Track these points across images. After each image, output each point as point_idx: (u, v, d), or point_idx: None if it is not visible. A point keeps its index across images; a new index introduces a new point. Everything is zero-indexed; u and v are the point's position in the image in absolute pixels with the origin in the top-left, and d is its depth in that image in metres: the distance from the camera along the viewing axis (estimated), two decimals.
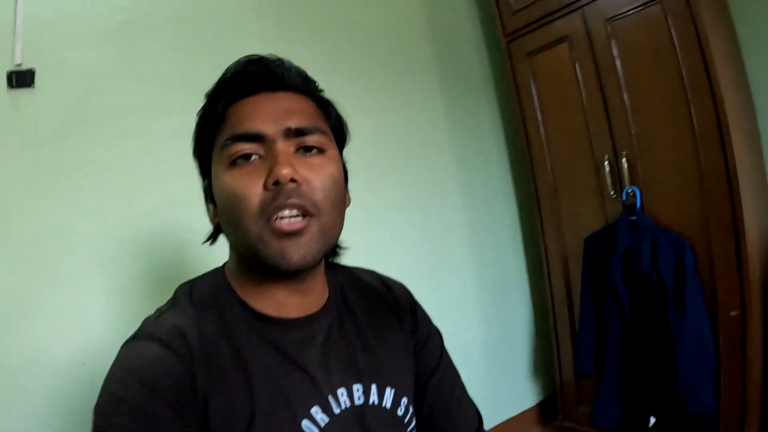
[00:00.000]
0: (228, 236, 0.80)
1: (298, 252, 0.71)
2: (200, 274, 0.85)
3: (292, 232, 0.71)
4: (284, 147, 0.74)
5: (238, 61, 0.80)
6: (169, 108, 1.78)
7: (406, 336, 0.92)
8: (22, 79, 1.58)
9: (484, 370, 2.39)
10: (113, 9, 1.74)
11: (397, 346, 0.89)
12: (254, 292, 0.78)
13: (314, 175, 0.74)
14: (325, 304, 0.84)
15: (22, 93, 1.58)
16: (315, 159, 0.76)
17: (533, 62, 2.31)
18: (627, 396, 2.06)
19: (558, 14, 2.17)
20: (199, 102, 1.83)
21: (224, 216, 0.77)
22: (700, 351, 1.86)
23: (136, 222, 1.69)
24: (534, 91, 2.33)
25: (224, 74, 0.81)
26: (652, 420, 1.96)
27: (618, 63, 2.03)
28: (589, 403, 2.21)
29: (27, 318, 1.49)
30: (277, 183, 0.70)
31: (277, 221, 0.71)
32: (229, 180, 0.74)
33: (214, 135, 0.78)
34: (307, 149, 0.76)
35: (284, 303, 0.79)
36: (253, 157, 0.74)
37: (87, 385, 1.50)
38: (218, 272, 0.84)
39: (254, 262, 0.75)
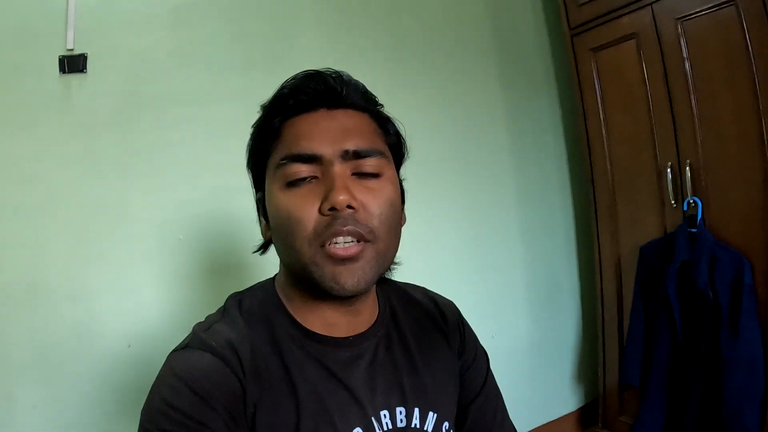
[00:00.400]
0: (280, 253, 0.78)
1: (352, 278, 0.70)
2: (251, 285, 0.86)
3: (347, 257, 0.70)
4: (341, 170, 0.72)
5: (295, 76, 0.79)
6: (223, 95, 1.81)
7: (453, 357, 0.91)
8: (74, 64, 1.62)
9: (528, 370, 2.36)
10: None
11: (443, 368, 0.89)
12: (303, 309, 0.78)
13: (371, 200, 0.72)
14: (373, 324, 0.83)
15: (74, 78, 1.63)
16: (372, 182, 0.74)
17: (598, 59, 2.20)
18: (670, 413, 1.99)
19: (626, 9, 2.06)
20: (254, 89, 1.87)
21: (277, 234, 0.76)
22: (749, 375, 1.77)
23: (187, 209, 1.73)
24: (597, 89, 2.22)
25: (281, 88, 0.79)
26: None
27: (687, 65, 1.91)
28: (631, 414, 2.16)
29: (76, 300, 1.57)
30: (333, 209, 0.69)
31: (332, 246, 0.69)
32: (283, 200, 0.73)
33: (269, 149, 0.77)
34: (365, 171, 0.74)
35: (333, 322, 0.78)
36: (309, 179, 0.72)
37: (131, 367, 1.61)
38: (268, 285, 0.83)
39: (306, 282, 0.74)
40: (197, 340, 0.73)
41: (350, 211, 0.70)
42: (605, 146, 2.23)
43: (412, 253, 2.08)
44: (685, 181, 1.95)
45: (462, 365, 0.93)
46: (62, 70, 1.61)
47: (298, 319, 0.78)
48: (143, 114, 1.70)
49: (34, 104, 1.58)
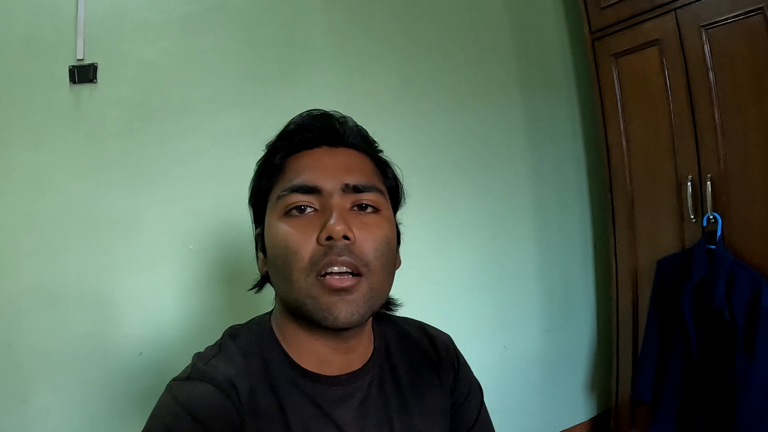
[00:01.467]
0: (276, 286, 0.80)
1: (346, 309, 0.71)
2: (247, 320, 0.86)
3: (342, 288, 0.71)
4: (340, 202, 0.74)
5: (301, 115, 0.82)
6: (235, 103, 1.81)
7: (445, 396, 0.91)
8: (84, 74, 1.63)
9: (540, 380, 2.34)
10: (176, 2, 1.75)
11: (434, 407, 0.89)
12: (297, 345, 0.79)
13: (368, 235, 0.74)
14: (368, 362, 0.83)
15: (85, 88, 1.65)
16: (370, 218, 0.76)
17: (619, 64, 2.13)
18: (681, 430, 1.95)
19: (649, 15, 1.98)
20: (266, 97, 1.92)
21: (274, 266, 0.76)
22: (763, 398, 1.71)
23: (198, 219, 1.75)
24: (618, 96, 2.15)
25: (287, 126, 0.82)
26: None
27: (711, 75, 1.83)
28: (642, 428, 2.13)
29: (88, 307, 1.62)
30: (330, 238, 0.70)
31: (327, 277, 0.70)
32: (281, 230, 0.74)
33: (271, 185, 0.79)
34: (363, 207, 0.76)
35: (326, 359, 0.79)
36: (308, 210, 0.74)
37: (142, 374, 1.65)
38: (264, 321, 0.84)
39: (300, 316, 0.75)
40: (199, 372, 0.75)
41: (346, 242, 0.71)
42: (625, 155, 2.17)
43: (425, 260, 2.08)
44: (706, 196, 1.88)
45: (454, 402, 0.93)
46: (72, 80, 1.63)
47: (292, 357, 0.79)
48: (153, 123, 1.71)
49: (45, 114, 1.61)
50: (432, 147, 2.13)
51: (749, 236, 1.80)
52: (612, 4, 2.10)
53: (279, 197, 0.76)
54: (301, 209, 0.74)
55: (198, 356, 0.79)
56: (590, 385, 2.48)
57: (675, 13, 1.89)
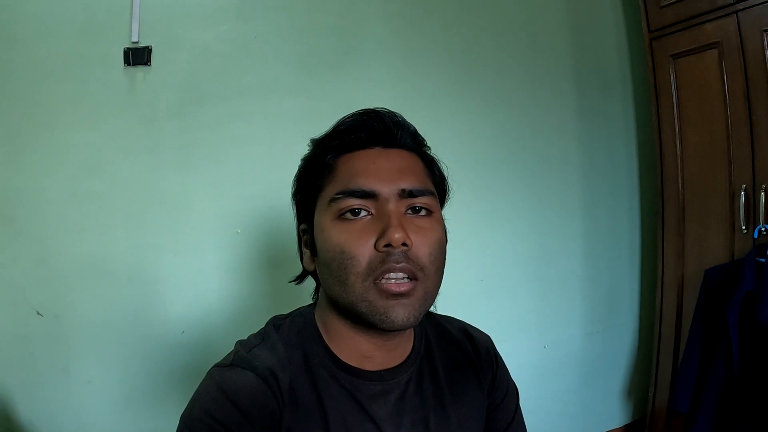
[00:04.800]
0: (326, 286, 0.80)
1: (403, 313, 0.72)
2: (290, 311, 0.89)
3: (400, 293, 0.72)
4: (396, 208, 0.74)
5: (353, 114, 0.81)
6: (286, 90, 1.84)
7: (482, 395, 0.93)
8: (138, 56, 1.68)
9: (578, 383, 2.32)
10: None
11: (471, 407, 0.90)
12: (340, 340, 0.80)
13: (423, 239, 0.74)
14: (407, 358, 0.84)
15: (139, 70, 1.70)
16: (424, 221, 0.76)
17: (677, 66, 2.06)
18: None
19: (710, 16, 1.90)
20: (319, 84, 1.96)
21: (327, 268, 0.76)
22: None
23: (246, 203, 1.79)
24: (674, 99, 2.08)
25: (338, 125, 0.81)
26: None
27: None
28: None
29: (134, 284, 1.70)
30: (388, 245, 0.71)
31: (385, 282, 0.72)
32: (337, 234, 0.74)
33: (321, 184, 0.79)
34: (416, 210, 0.76)
35: (368, 355, 0.80)
36: (363, 213, 0.74)
37: (184, 352, 1.72)
38: (307, 313, 0.86)
39: (350, 315, 0.77)
40: (242, 359, 0.77)
41: (404, 248, 0.72)
42: (678, 160, 2.10)
43: (471, 255, 2.07)
44: (759, 207, 1.81)
45: (491, 402, 0.94)
46: (127, 62, 1.69)
47: (334, 350, 0.80)
48: (206, 107, 1.76)
49: (100, 96, 1.68)
50: (481, 143, 2.13)
51: None
52: (672, 3, 2.02)
53: (333, 200, 0.75)
54: (356, 212, 0.74)
55: (241, 344, 0.82)
56: (627, 391, 2.44)
57: (737, 15, 1.81)
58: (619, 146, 2.37)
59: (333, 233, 0.75)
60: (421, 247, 0.73)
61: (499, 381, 0.96)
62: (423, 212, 0.77)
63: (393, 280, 0.72)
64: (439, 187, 0.84)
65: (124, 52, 1.69)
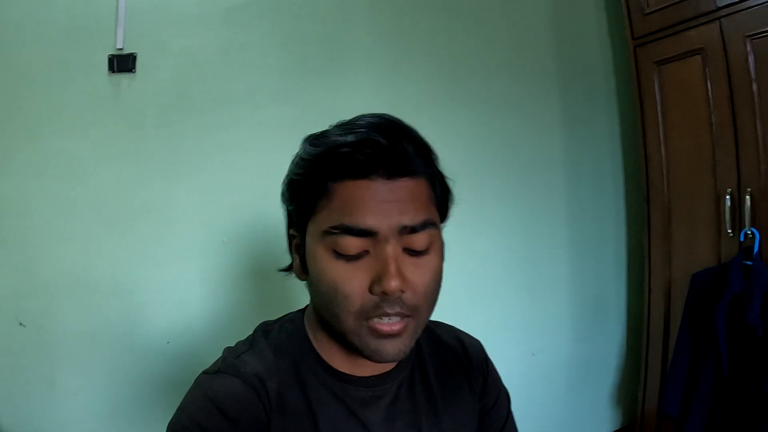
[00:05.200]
0: (317, 308, 0.78)
1: (393, 349, 0.71)
2: (279, 317, 0.87)
3: (389, 334, 0.70)
4: (394, 249, 0.70)
5: (352, 131, 0.71)
6: (272, 97, 1.82)
7: (474, 400, 0.92)
8: (123, 63, 1.65)
9: (566, 390, 2.32)
10: None
11: (463, 412, 0.90)
12: (330, 347, 0.79)
13: (420, 278, 0.71)
14: (398, 363, 0.83)
15: (124, 77, 1.67)
16: (422, 259, 0.72)
17: (661, 72, 2.08)
18: None
19: (693, 23, 1.93)
20: (306, 92, 1.94)
21: (319, 296, 0.74)
22: None
23: (232, 211, 1.77)
24: (659, 105, 2.11)
25: (338, 145, 0.71)
26: None
27: (755, 87, 1.78)
28: None
29: (120, 294, 1.66)
30: (384, 292, 0.69)
31: (377, 322, 0.70)
32: (330, 270, 0.71)
33: (315, 206, 0.73)
34: (415, 252, 0.72)
35: (358, 362, 0.79)
36: (360, 253, 0.70)
37: (169, 363, 1.69)
38: (297, 319, 0.84)
39: (343, 342, 0.75)
40: (229, 366, 0.77)
41: (400, 293, 0.70)
42: (663, 165, 2.13)
43: (457, 263, 2.06)
44: (744, 210, 1.83)
45: (482, 407, 0.94)
46: (111, 69, 1.66)
47: (324, 357, 0.80)
48: (191, 115, 1.74)
49: (84, 103, 1.64)
50: (467, 150, 2.13)
51: None
52: (655, 10, 2.05)
53: (329, 232, 0.70)
54: (352, 253, 0.70)
55: (229, 350, 0.81)
56: (617, 397, 2.44)
57: (720, 21, 1.84)
58: (604, 152, 2.39)
59: (326, 267, 0.71)
60: (418, 287, 0.71)
61: (491, 385, 0.95)
62: (421, 250, 0.72)
63: (385, 321, 0.70)
64: (442, 205, 0.79)
65: (109, 59, 1.66)
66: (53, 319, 1.60)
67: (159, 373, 1.68)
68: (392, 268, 0.68)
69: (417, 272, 0.71)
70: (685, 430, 1.96)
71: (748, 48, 1.77)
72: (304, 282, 0.80)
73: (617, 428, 2.44)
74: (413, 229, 0.70)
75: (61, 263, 1.62)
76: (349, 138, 0.70)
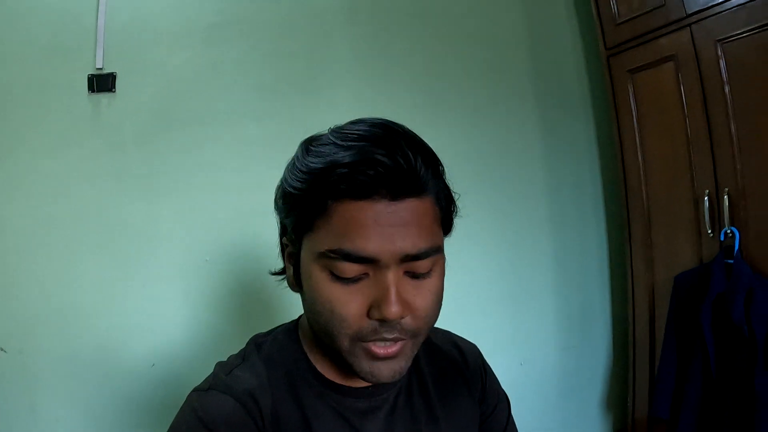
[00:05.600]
0: (312, 321, 0.74)
1: (388, 371, 0.69)
2: (273, 327, 0.84)
3: (385, 357, 0.68)
4: (396, 276, 0.66)
5: (352, 144, 0.65)
6: (253, 115, 1.82)
7: (474, 405, 0.90)
8: (103, 83, 1.66)
9: (556, 398, 2.31)
10: (197, 13, 1.78)
11: (463, 417, 0.88)
12: (325, 358, 0.78)
13: (420, 302, 0.68)
14: None
15: (103, 97, 1.67)
16: (424, 282, 0.69)
17: (635, 80, 2.13)
18: None
19: (664, 30, 1.98)
20: (286, 109, 1.94)
21: (314, 314, 0.70)
22: None
23: (214, 230, 1.75)
24: (634, 112, 2.15)
25: (335, 164, 0.65)
26: None
27: (727, 89, 1.82)
28: None
29: (102, 317, 1.62)
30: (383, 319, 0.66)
31: (373, 345, 0.67)
32: (327, 291, 0.67)
33: (312, 223, 0.68)
34: (417, 275, 0.69)
35: (353, 375, 0.75)
36: (359, 277, 0.67)
37: (155, 386, 1.65)
38: (291, 331, 0.82)
39: (337, 359, 0.74)
40: (220, 383, 0.74)
41: (400, 319, 0.67)
42: (641, 171, 2.16)
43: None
44: (723, 210, 1.86)
45: (482, 412, 0.92)
46: (91, 89, 1.66)
47: (319, 368, 0.78)
48: (171, 134, 1.73)
49: (64, 121, 1.64)
50: (447, 165, 2.12)
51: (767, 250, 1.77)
52: (627, 20, 2.10)
53: (326, 255, 0.66)
54: (350, 277, 0.66)
55: (220, 365, 0.78)
56: (606, 403, 2.44)
57: (690, 28, 1.89)
58: (582, 162, 2.42)
59: (323, 287, 0.67)
60: (418, 311, 0.68)
61: (489, 389, 0.94)
62: (424, 272, 0.69)
63: (381, 345, 0.67)
64: (445, 219, 0.75)
65: (89, 78, 1.66)
66: (34, 343, 1.57)
67: (145, 398, 1.64)
68: (393, 295, 0.65)
69: (418, 296, 0.68)
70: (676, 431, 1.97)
71: (719, 52, 1.82)
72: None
73: None
74: (417, 257, 0.67)
75: (41, 285, 1.58)
76: (349, 154, 0.64)
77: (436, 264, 0.71)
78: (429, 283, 0.70)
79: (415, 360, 0.86)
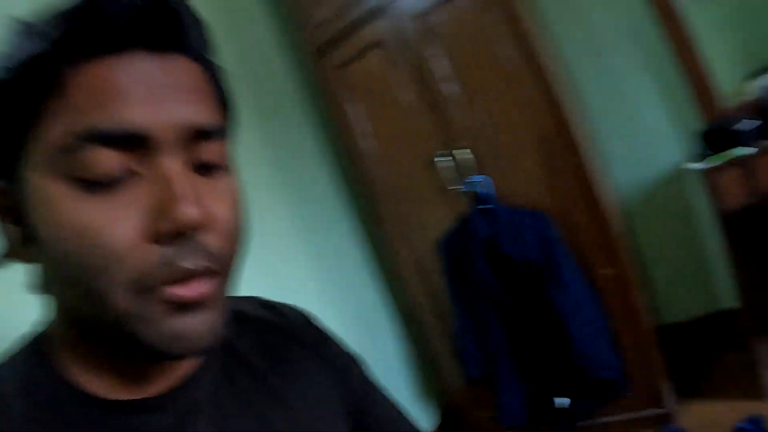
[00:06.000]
0: (62, 296, 0.49)
1: (203, 326, 0.46)
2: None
3: (195, 302, 0.45)
4: (178, 163, 0.44)
5: None
6: None
7: (322, 367, 0.68)
8: None
9: None
10: None
11: (315, 384, 0.66)
12: (94, 369, 0.50)
13: (221, 208, 0.47)
14: (201, 363, 0.57)
15: None
16: (219, 182, 0.48)
17: (348, 74, 2.19)
18: (530, 385, 2.00)
19: (363, 22, 2.09)
20: None
21: (62, 271, 0.45)
22: (588, 316, 1.87)
23: None
24: (354, 104, 2.21)
25: (61, 14, 0.43)
26: (564, 401, 1.92)
27: (436, 58, 1.99)
28: (491, 406, 2.09)
29: None
30: (175, 233, 0.43)
31: (170, 288, 0.44)
32: (77, 215, 0.43)
33: (36, 111, 0.43)
34: (208, 168, 0.48)
35: (143, 377, 0.51)
36: (125, 176, 0.43)
37: None
38: (31, 350, 0.52)
39: (115, 339, 0.46)
40: None
41: (200, 228, 0.45)
42: (375, 158, 2.22)
43: None
44: (465, 165, 2.00)
45: (340, 379, 0.71)
46: None
47: (88, 387, 0.50)
48: None
49: None
50: None
51: (518, 185, 1.96)
52: (326, 21, 2.15)
53: (65, 150, 0.43)
54: (113, 176, 0.43)
55: None
56: (421, 393, 2.39)
57: (387, 13, 2.03)
58: (317, 165, 2.36)
59: (67, 210, 0.43)
60: (221, 222, 0.47)
61: (333, 347, 0.75)
62: (217, 167, 0.49)
63: (184, 285, 0.45)
64: (225, 109, 0.54)
65: None
66: None
67: None
68: (182, 187, 0.44)
69: (216, 201, 0.48)
70: (498, 380, 2.02)
71: (420, 26, 1.98)
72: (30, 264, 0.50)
73: (440, 421, 2.37)
74: (205, 134, 0.47)
75: None
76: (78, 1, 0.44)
77: (229, 160, 0.52)
78: (227, 186, 0.50)
79: (223, 341, 0.60)
